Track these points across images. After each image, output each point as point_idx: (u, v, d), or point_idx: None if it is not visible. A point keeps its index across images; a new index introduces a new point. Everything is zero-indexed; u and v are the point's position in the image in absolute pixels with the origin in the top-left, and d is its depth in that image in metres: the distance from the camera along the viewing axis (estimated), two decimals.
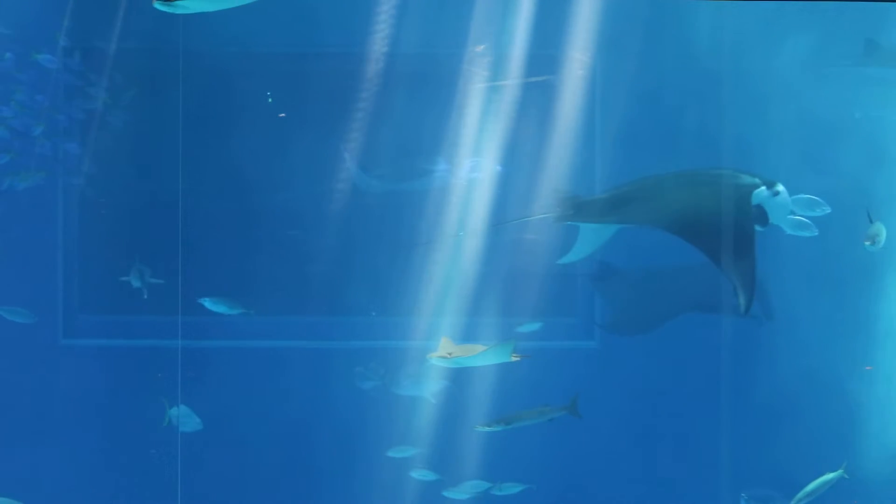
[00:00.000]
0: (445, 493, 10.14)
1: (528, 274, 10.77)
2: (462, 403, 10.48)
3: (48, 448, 10.57)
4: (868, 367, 10.66)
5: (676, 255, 10.34)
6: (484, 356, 8.27)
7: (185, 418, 10.20)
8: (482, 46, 10.66)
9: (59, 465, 10.56)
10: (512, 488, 10.24)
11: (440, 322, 10.41)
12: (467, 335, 10.43)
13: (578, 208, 10.17)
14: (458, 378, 10.50)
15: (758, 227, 9.86)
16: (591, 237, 10.36)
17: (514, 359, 8.43)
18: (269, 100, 11.01)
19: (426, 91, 10.70)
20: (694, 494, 10.71)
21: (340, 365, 10.61)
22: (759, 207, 9.82)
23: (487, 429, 9.51)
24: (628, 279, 10.98)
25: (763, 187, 9.79)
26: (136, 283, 10.41)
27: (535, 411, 9.76)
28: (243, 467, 10.60)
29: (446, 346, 8.16)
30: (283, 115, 10.99)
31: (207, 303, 10.04)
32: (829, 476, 9.88)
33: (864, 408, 10.69)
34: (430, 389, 10.38)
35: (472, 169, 10.83)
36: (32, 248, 10.79)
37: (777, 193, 9.82)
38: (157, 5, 6.02)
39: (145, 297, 10.42)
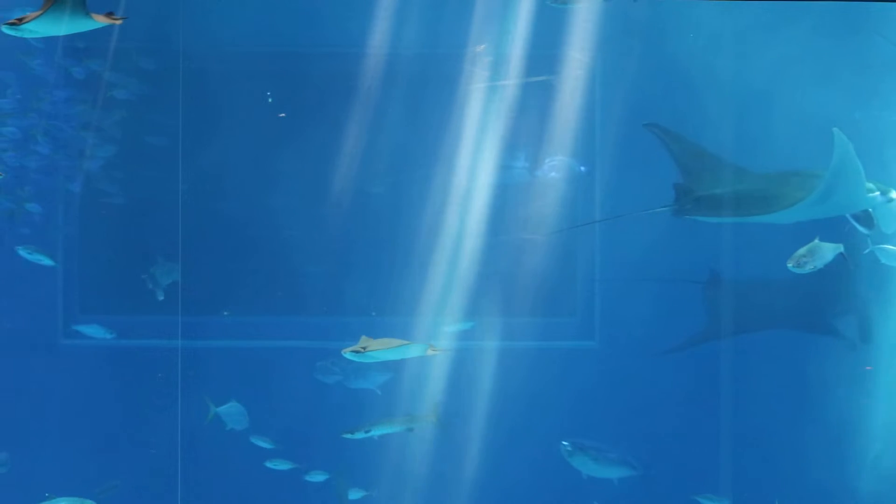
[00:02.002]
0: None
1: (529, 274, 10.78)
2: (462, 403, 10.51)
3: (48, 448, 10.57)
4: (868, 367, 10.66)
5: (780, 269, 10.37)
6: (399, 351, 8.26)
7: (235, 416, 10.21)
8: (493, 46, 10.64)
9: (58, 465, 10.56)
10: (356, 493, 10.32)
11: (439, 322, 10.46)
12: (464, 335, 10.49)
13: (696, 203, 10.08)
14: (459, 378, 10.53)
15: (862, 230, 9.82)
16: None
17: (431, 352, 8.41)
18: (269, 100, 11.03)
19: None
20: (691, 493, 10.72)
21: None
22: (867, 211, 9.76)
23: (350, 436, 9.53)
24: (733, 289, 10.90)
25: (877, 193, 9.71)
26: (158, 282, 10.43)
27: (398, 419, 9.75)
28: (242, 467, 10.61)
29: (364, 341, 8.17)
30: (282, 114, 11.01)
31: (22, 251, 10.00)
32: None
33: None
34: (376, 382, 10.45)
35: (551, 168, 10.77)
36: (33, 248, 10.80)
37: (891, 200, 9.71)
38: (5, 29, 6.14)
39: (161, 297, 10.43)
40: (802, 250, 9.24)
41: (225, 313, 10.91)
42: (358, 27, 10.50)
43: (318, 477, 10.28)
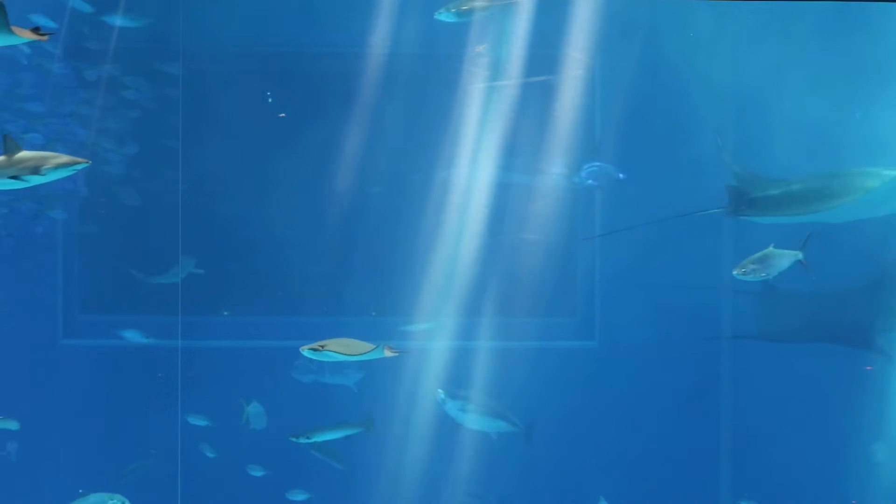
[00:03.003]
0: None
1: (529, 274, 10.78)
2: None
3: (48, 447, 10.57)
4: (868, 367, 10.65)
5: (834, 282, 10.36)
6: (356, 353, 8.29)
7: (257, 416, 10.23)
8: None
9: (58, 465, 10.56)
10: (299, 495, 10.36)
11: (438, 322, 10.49)
12: (465, 335, 10.50)
13: (751, 203, 10.09)
14: (460, 378, 10.54)
15: None
16: None
17: (389, 354, 8.39)
18: (269, 100, 11.04)
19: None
20: (692, 495, 10.72)
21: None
22: None
23: (294, 439, 9.64)
24: (785, 300, 10.88)
25: None
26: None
27: (335, 426, 9.78)
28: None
29: (328, 342, 8.19)
30: (283, 114, 11.03)
31: None
32: None
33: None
34: (352, 379, 10.49)
35: (589, 176, 10.68)
36: (33, 249, 10.80)
37: None
38: None
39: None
40: (753, 258, 9.08)
41: (225, 313, 10.92)
42: (358, 27, 10.51)
43: (257, 472, 10.35)
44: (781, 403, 10.69)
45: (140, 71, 10.70)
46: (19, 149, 6.73)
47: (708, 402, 10.83)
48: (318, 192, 10.76)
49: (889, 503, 10.57)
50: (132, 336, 10.38)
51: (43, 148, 10.27)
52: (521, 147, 10.88)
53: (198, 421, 10.34)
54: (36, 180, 6.70)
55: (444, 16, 9.47)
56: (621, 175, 10.67)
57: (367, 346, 8.26)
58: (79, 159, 6.71)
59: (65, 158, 6.70)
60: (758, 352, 10.77)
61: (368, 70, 10.59)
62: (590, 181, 10.69)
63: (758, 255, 9.13)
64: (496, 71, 10.68)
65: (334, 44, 10.76)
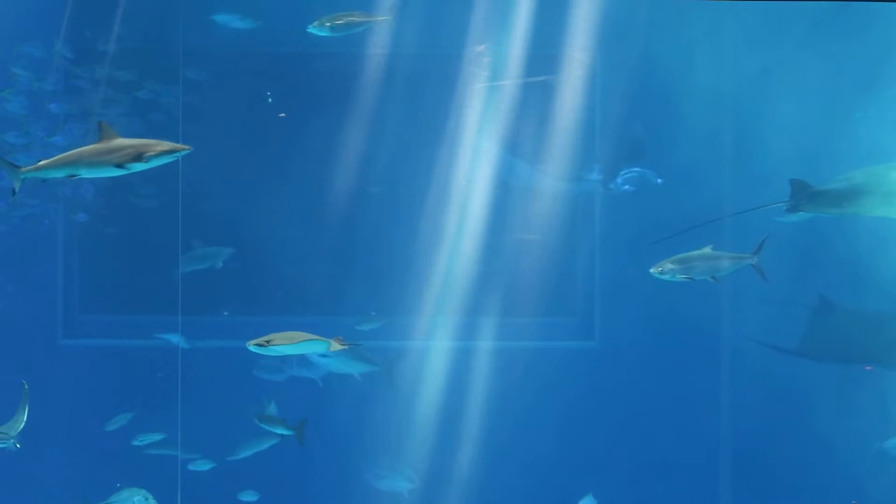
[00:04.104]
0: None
1: (529, 274, 10.79)
2: (462, 402, 10.53)
3: (47, 448, 10.56)
4: (868, 367, 10.65)
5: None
6: (303, 346, 8.28)
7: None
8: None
9: (58, 465, 10.55)
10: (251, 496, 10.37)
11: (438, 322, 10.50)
12: (464, 335, 10.51)
13: (812, 198, 9.99)
14: (459, 378, 10.55)
15: None
16: None
17: (339, 346, 8.37)
18: (269, 100, 11.05)
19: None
20: (691, 496, 10.72)
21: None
22: None
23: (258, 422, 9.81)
24: (838, 317, 10.87)
25: None
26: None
27: (285, 422, 9.83)
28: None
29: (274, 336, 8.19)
30: (282, 114, 11.04)
31: None
32: None
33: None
34: (317, 373, 10.48)
35: (626, 181, 10.61)
36: (33, 248, 10.81)
37: None
38: None
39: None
40: (676, 257, 8.70)
41: (225, 313, 10.92)
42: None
43: (203, 466, 10.32)
44: (782, 404, 10.69)
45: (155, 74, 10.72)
46: (116, 136, 6.57)
47: (708, 402, 10.83)
48: (319, 193, 10.76)
49: None
50: (172, 339, 10.40)
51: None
52: (520, 147, 10.90)
53: (116, 423, 10.27)
54: (138, 167, 6.55)
55: (317, 30, 9.39)
56: (659, 180, 10.59)
57: (316, 338, 8.26)
58: (180, 146, 6.59)
59: (166, 145, 6.57)
60: (758, 352, 10.77)
61: (367, 70, 10.60)
62: (626, 186, 10.61)
63: (684, 255, 8.72)
64: (496, 71, 10.70)
65: (334, 44, 10.76)
